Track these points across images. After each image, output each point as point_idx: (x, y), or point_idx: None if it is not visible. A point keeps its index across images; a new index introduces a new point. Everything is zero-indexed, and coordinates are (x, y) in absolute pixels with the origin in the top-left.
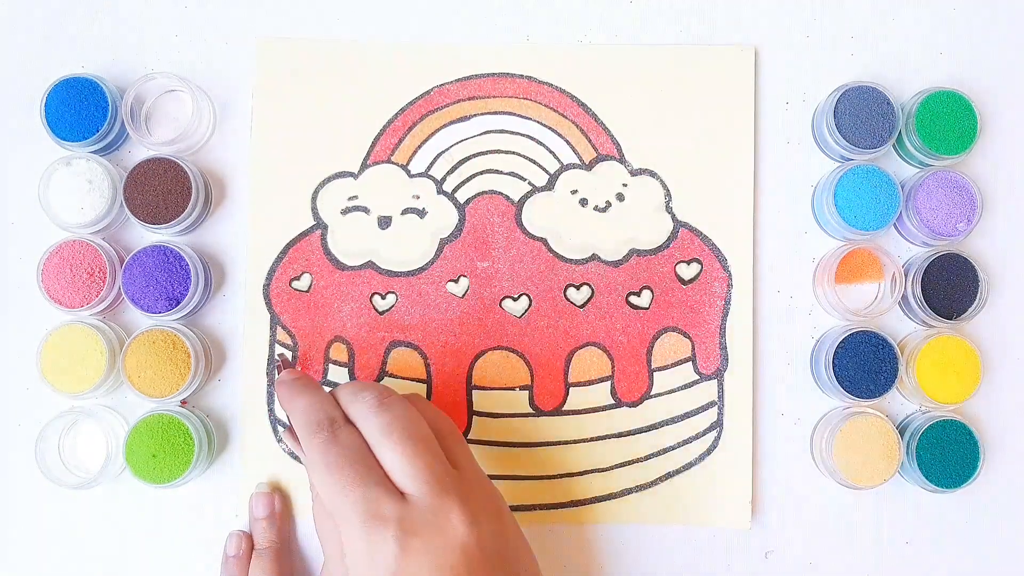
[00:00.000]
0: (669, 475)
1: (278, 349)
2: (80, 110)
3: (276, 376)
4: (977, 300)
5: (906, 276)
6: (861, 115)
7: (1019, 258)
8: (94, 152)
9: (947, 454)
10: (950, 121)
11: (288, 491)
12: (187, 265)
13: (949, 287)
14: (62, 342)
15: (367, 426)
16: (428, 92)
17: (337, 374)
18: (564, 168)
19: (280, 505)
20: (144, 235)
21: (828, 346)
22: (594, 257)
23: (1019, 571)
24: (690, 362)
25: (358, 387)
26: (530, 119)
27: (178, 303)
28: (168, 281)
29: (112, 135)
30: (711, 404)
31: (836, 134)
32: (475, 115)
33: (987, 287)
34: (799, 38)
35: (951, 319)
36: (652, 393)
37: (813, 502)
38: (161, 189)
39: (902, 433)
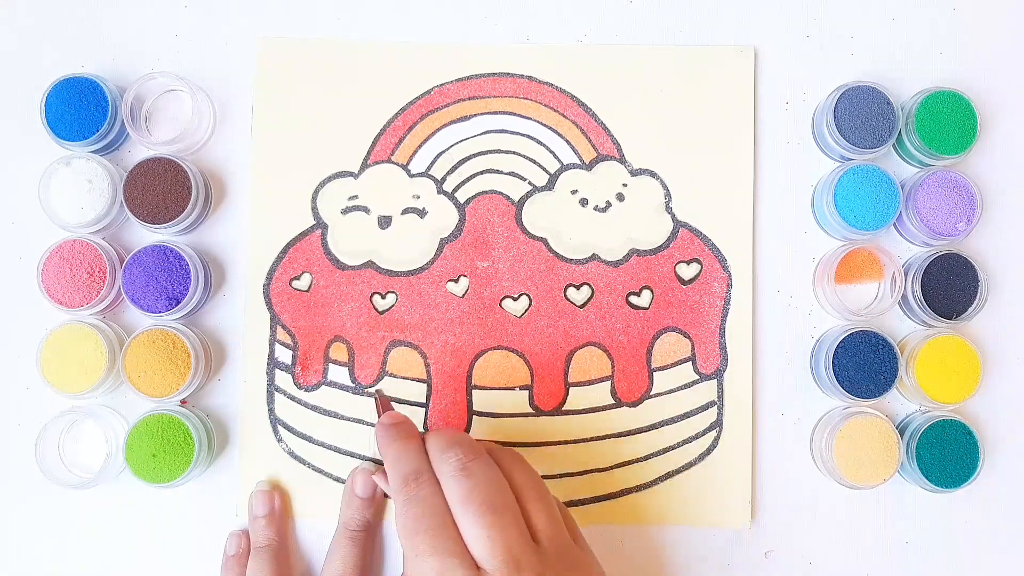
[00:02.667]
0: (669, 475)
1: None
2: (80, 110)
3: (376, 408)
4: (977, 300)
5: (906, 276)
6: (861, 115)
7: (1019, 258)
8: (94, 152)
9: (947, 454)
10: (950, 121)
11: (288, 490)
12: (187, 265)
13: (949, 287)
14: (62, 342)
15: (450, 490)
16: (428, 92)
17: (337, 373)
18: (564, 168)
19: (279, 503)
20: (144, 235)
21: (828, 346)
22: (594, 257)
23: (1019, 571)
24: (690, 362)
25: (446, 442)
26: (530, 119)
27: (178, 303)
28: (168, 281)
29: (112, 135)
30: (711, 404)
31: (836, 134)
32: (475, 115)
33: (987, 287)
34: (799, 38)
35: (951, 319)
36: (652, 393)
37: (813, 502)
38: (161, 189)
39: (902, 433)
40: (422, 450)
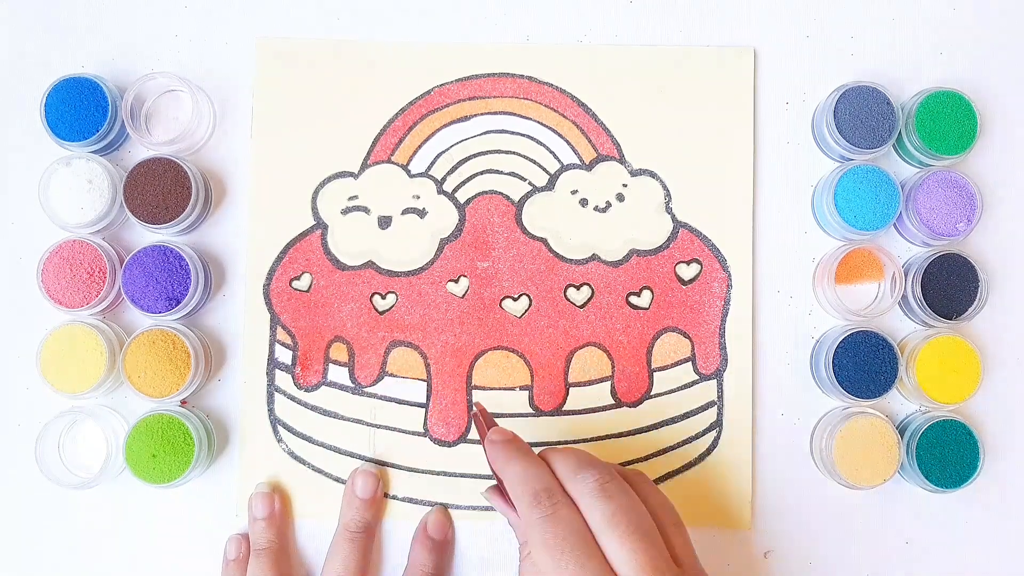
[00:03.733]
0: (669, 475)
1: (475, 396)
2: (80, 110)
3: (474, 424)
4: (977, 300)
5: (906, 276)
6: (861, 115)
7: (1019, 258)
8: (94, 152)
9: (947, 454)
10: (950, 121)
11: (288, 492)
12: (187, 265)
13: (949, 287)
14: (62, 342)
15: (591, 511)
16: (428, 92)
17: (337, 374)
18: (564, 168)
19: (279, 505)
20: (144, 235)
21: (828, 346)
22: (594, 257)
23: (1019, 571)
24: (690, 362)
25: (577, 463)
26: (530, 119)
27: (178, 303)
28: (168, 281)
29: (112, 135)
30: (711, 404)
31: (836, 134)
32: (475, 115)
33: (987, 287)
34: (799, 38)
35: (951, 319)
36: (652, 393)
37: (813, 502)
38: (161, 189)
39: (902, 433)
40: (547, 467)
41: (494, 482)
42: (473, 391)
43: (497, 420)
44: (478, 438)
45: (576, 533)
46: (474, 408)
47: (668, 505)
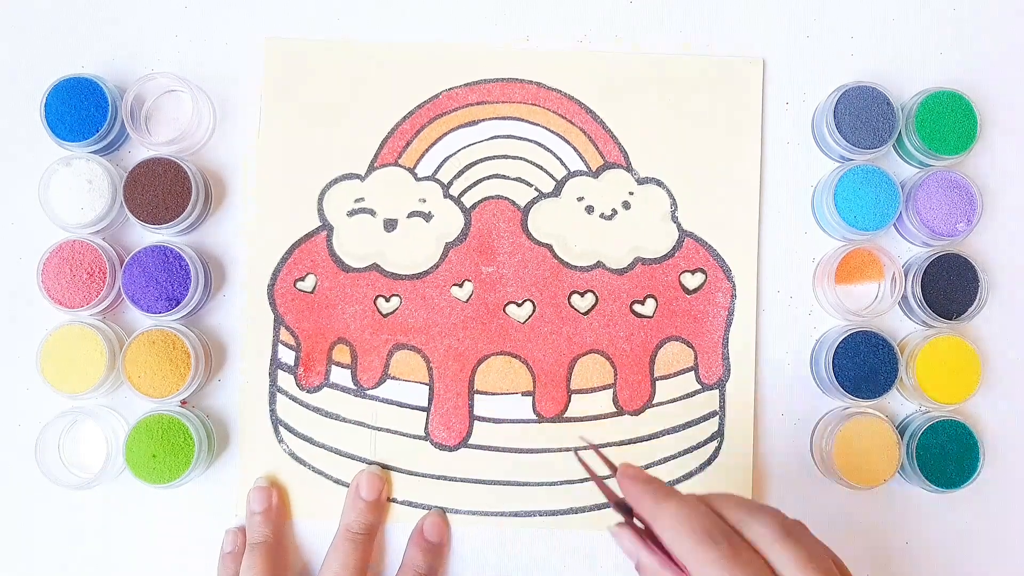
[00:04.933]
0: (669, 484)
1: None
2: (80, 110)
3: (578, 458)
4: (977, 300)
5: (906, 276)
6: (861, 115)
7: (1019, 258)
8: (94, 152)
9: (947, 454)
10: (950, 121)
11: (287, 492)
12: (187, 265)
13: (949, 287)
14: (62, 342)
15: (778, 554)
16: (437, 95)
17: (339, 376)
18: (571, 175)
19: (277, 500)
20: (144, 235)
21: (828, 346)
22: (599, 264)
23: (1019, 571)
24: (692, 372)
25: (747, 505)
26: (538, 125)
27: (178, 303)
28: (168, 281)
29: (112, 135)
30: (712, 414)
31: (836, 134)
32: (483, 120)
33: (987, 287)
34: (799, 38)
35: (951, 319)
36: (654, 402)
37: (813, 502)
38: (161, 189)
39: (902, 433)
40: (708, 508)
41: (620, 519)
42: (475, 396)
43: (498, 426)
44: (480, 443)
45: None
46: (577, 446)
47: (833, 553)
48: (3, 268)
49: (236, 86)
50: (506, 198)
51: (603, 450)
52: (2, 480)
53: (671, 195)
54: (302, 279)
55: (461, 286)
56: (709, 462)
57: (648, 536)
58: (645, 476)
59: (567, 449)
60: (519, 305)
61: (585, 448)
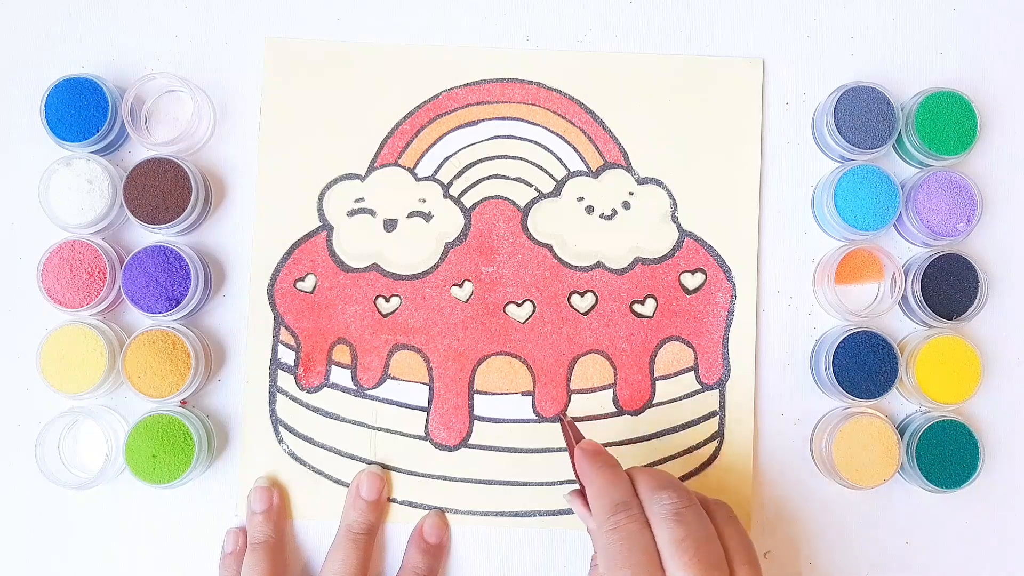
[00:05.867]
0: None
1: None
2: (80, 110)
3: (562, 430)
4: (977, 300)
5: (906, 276)
6: (861, 115)
7: (1019, 258)
8: (94, 152)
9: (947, 454)
10: (950, 121)
11: (287, 490)
12: (187, 265)
13: (949, 287)
14: (62, 342)
15: (661, 532)
16: (437, 96)
17: (339, 376)
18: (571, 175)
19: (278, 500)
20: (144, 235)
21: (828, 346)
22: (599, 264)
23: (1019, 571)
24: (692, 372)
25: (658, 482)
26: (538, 125)
27: (178, 303)
28: (168, 281)
29: (112, 135)
30: (712, 414)
31: (836, 134)
32: (483, 120)
33: (987, 287)
34: (799, 38)
35: (951, 319)
36: (654, 402)
37: (813, 502)
38: (161, 189)
39: (902, 433)
40: (629, 482)
41: (576, 486)
42: (475, 396)
43: (498, 426)
44: (480, 443)
45: (643, 551)
46: (562, 417)
47: (745, 542)
48: (3, 268)
49: (236, 86)
50: (506, 198)
51: (608, 448)
52: (2, 480)
53: (671, 195)
54: (302, 279)
55: (461, 286)
56: (709, 462)
57: None
58: (595, 451)
59: (554, 420)
60: (519, 305)
61: (566, 420)
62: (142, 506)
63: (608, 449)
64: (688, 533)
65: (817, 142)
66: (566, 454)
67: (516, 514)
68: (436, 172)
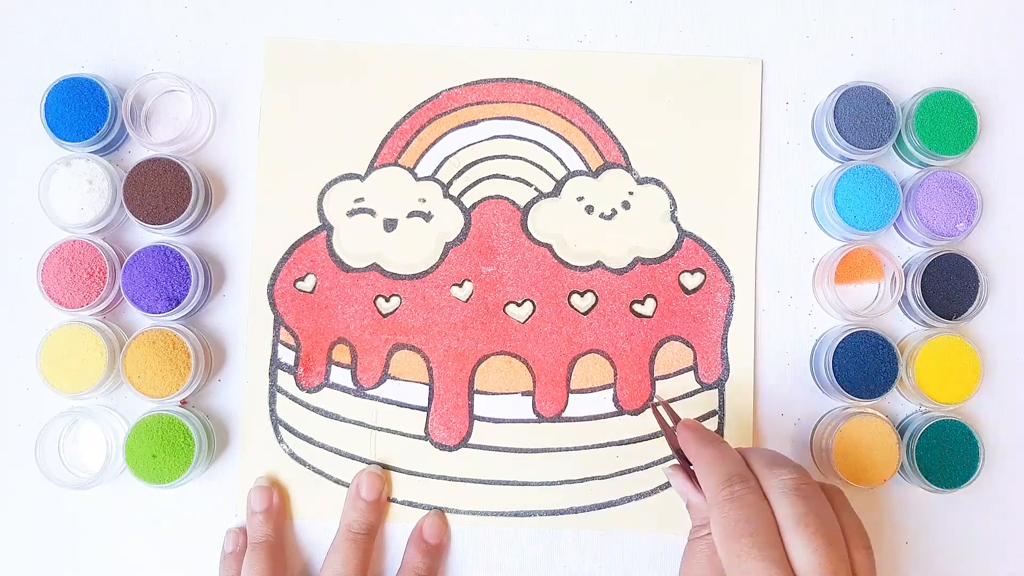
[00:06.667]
0: (669, 484)
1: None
2: (80, 110)
3: (655, 415)
4: (977, 300)
5: (906, 276)
6: (861, 115)
7: (1019, 258)
8: (94, 152)
9: (947, 454)
10: (950, 121)
11: (287, 490)
12: (187, 265)
13: (949, 287)
14: (62, 342)
15: (781, 506)
16: (436, 95)
17: (339, 376)
18: (571, 175)
19: (277, 500)
20: (144, 235)
21: (828, 346)
22: (599, 264)
23: (1019, 571)
24: (692, 371)
25: (773, 458)
26: (538, 125)
27: (178, 303)
28: (168, 281)
29: (112, 135)
30: (712, 413)
31: (836, 134)
32: (483, 120)
33: (987, 287)
34: (799, 38)
35: (951, 319)
36: (654, 402)
37: None
38: (161, 189)
39: (902, 433)
40: (740, 457)
41: (675, 461)
42: (475, 396)
43: (498, 426)
44: (480, 442)
45: (762, 520)
46: (654, 402)
47: (859, 526)
48: (3, 268)
49: (236, 86)
50: (506, 198)
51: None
52: (2, 480)
53: (670, 195)
54: (302, 279)
55: (461, 286)
56: None
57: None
58: (698, 427)
59: (643, 409)
60: (519, 305)
61: (658, 404)
62: (142, 506)
63: (608, 449)
64: (810, 509)
65: (817, 142)
66: (566, 454)
67: (516, 514)
68: (436, 172)
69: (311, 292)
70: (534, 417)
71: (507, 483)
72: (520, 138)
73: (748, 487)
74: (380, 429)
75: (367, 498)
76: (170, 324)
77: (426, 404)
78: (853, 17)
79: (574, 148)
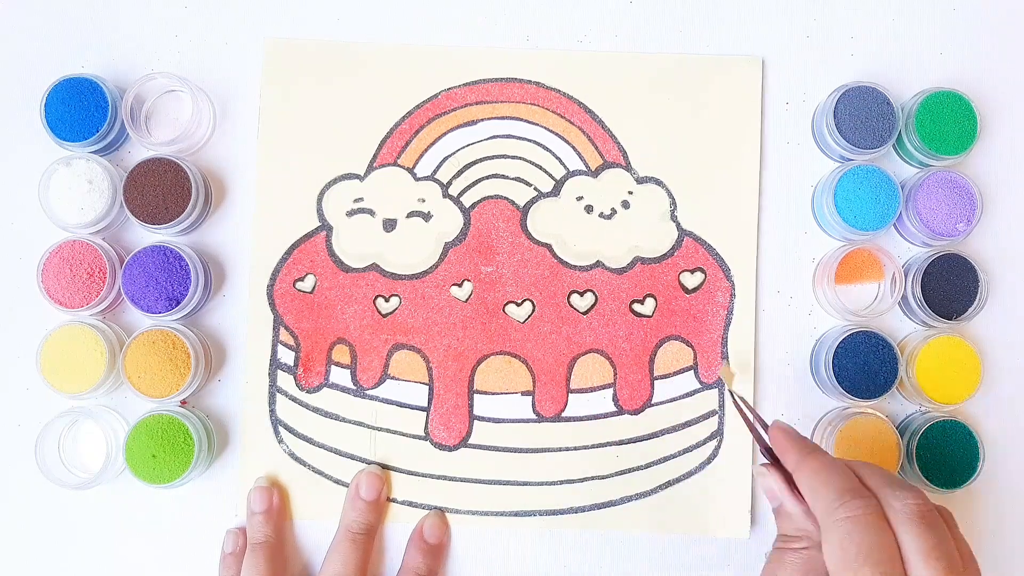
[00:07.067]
0: (669, 483)
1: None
2: (80, 110)
3: (746, 409)
4: (977, 300)
5: (906, 276)
6: (861, 115)
7: (1019, 258)
8: (94, 152)
9: (947, 454)
10: (950, 121)
11: (287, 490)
12: (187, 265)
13: (949, 287)
14: (62, 342)
15: (908, 535)
16: (436, 95)
17: (339, 376)
18: (570, 174)
19: (277, 500)
20: (144, 235)
21: (828, 346)
22: (598, 264)
23: (1019, 571)
24: (692, 371)
25: (891, 478)
26: (537, 125)
27: (178, 303)
28: (168, 281)
29: (112, 135)
30: (712, 413)
31: (836, 134)
32: (482, 119)
33: (987, 287)
34: (799, 38)
35: (951, 319)
36: (654, 401)
37: None
38: (161, 189)
39: (902, 433)
40: (853, 473)
41: (763, 460)
42: (475, 395)
43: (498, 426)
44: (480, 442)
45: (887, 549)
46: (736, 397)
47: (970, 553)
48: (3, 268)
49: (236, 86)
50: (505, 198)
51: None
52: (2, 480)
53: (670, 194)
54: (302, 279)
55: (460, 286)
56: (709, 461)
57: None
58: (794, 433)
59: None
60: (519, 305)
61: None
62: (142, 506)
63: (608, 449)
64: (939, 541)
65: (817, 142)
66: (566, 454)
67: (516, 514)
68: (435, 172)
69: (311, 292)
70: (534, 417)
71: (507, 483)
72: (519, 138)
73: (868, 507)
74: (380, 429)
75: (367, 498)
76: (170, 324)
77: (426, 404)
78: (853, 17)
79: (573, 148)
